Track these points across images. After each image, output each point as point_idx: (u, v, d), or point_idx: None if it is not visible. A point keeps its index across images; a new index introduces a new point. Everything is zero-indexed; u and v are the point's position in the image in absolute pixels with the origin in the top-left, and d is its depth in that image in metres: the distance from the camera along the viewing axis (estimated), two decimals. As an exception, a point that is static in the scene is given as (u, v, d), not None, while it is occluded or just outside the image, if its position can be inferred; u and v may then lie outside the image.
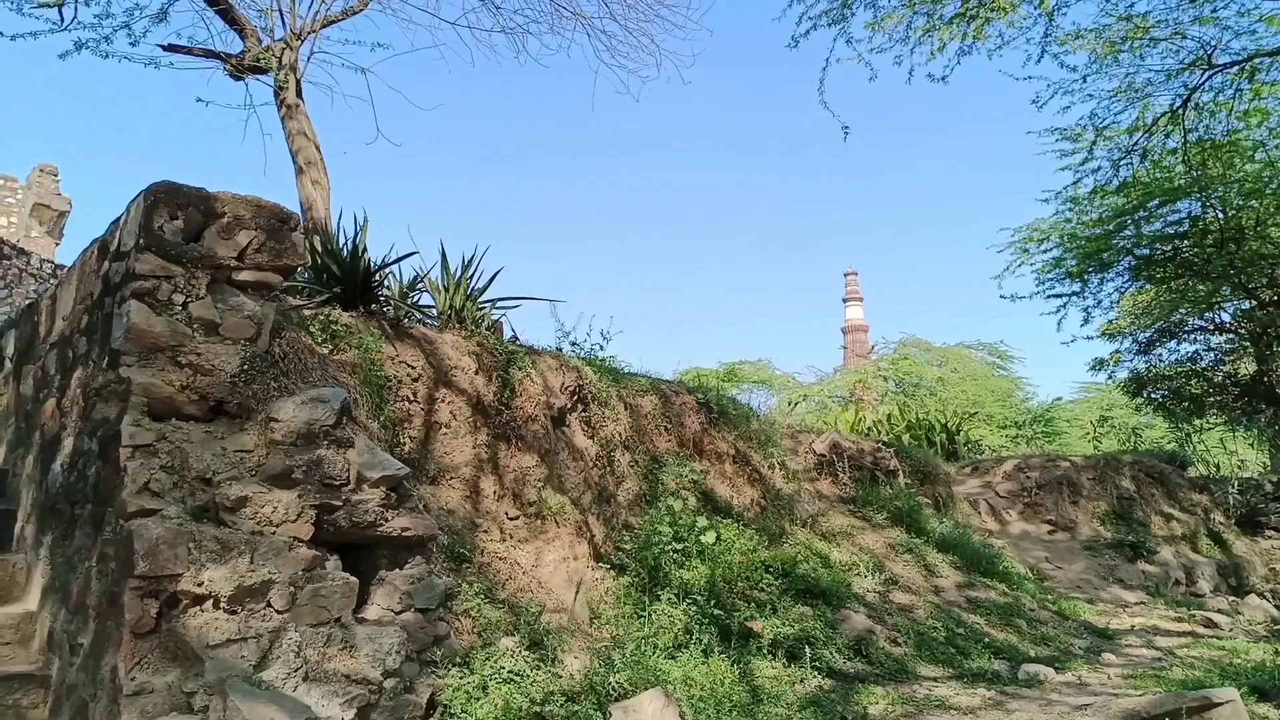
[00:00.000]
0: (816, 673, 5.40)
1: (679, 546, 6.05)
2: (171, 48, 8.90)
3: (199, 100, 9.61)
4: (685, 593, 5.68)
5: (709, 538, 6.12)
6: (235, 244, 4.23)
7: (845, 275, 60.07)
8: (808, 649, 5.50)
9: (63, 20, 8.69)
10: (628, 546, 6.16)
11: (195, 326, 4.10)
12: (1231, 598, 10.31)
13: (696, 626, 5.36)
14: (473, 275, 6.41)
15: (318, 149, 8.68)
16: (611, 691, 4.39)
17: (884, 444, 10.24)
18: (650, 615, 5.44)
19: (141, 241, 3.98)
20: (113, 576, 3.70)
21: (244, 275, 4.29)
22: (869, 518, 8.59)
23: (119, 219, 4.30)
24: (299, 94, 8.88)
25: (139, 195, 4.09)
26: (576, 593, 5.43)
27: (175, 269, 4.06)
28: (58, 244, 22.75)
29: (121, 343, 3.96)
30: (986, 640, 6.69)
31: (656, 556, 5.89)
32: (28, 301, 5.68)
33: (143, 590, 3.58)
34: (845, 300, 59.10)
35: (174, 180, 4.09)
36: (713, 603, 5.57)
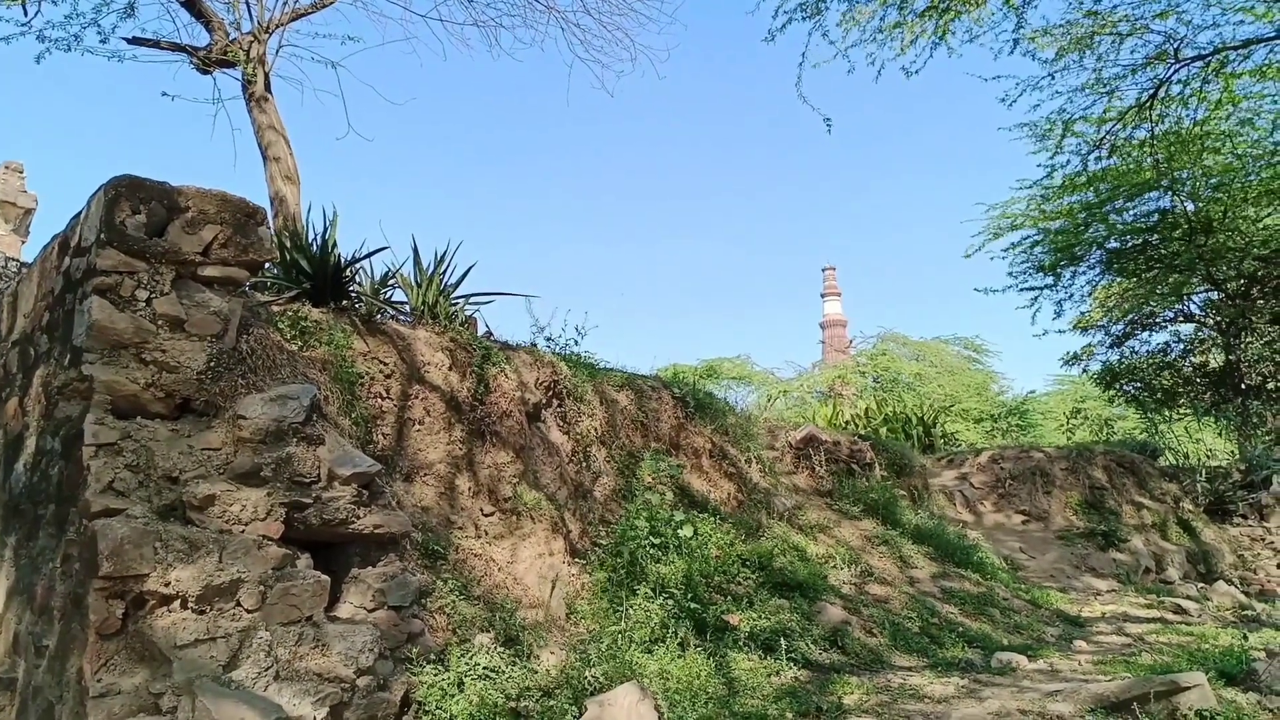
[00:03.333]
0: (792, 664, 5.42)
1: (656, 541, 6.04)
2: (136, 40, 8.75)
3: (164, 94, 9.46)
4: (662, 587, 5.67)
5: (686, 532, 6.12)
6: (200, 239, 4.17)
7: (823, 270, 60.27)
8: (784, 641, 5.52)
9: (26, 14, 8.54)
10: (604, 542, 6.14)
11: (160, 323, 4.04)
12: (1200, 584, 10.47)
13: (673, 621, 5.35)
14: (445, 270, 6.36)
15: (287, 143, 8.58)
16: (587, 686, 4.37)
17: (860, 437, 10.28)
18: (627, 610, 5.43)
19: (103, 237, 3.91)
20: (77, 577, 3.64)
21: (210, 271, 4.23)
22: (845, 510, 8.62)
23: (79, 214, 4.22)
24: (268, 88, 8.77)
25: (100, 189, 4.02)
26: (552, 589, 5.41)
27: (138, 264, 3.99)
28: (23, 242, 22.36)
29: (84, 340, 3.89)
30: (960, 630, 6.74)
31: (633, 551, 5.88)
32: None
33: (108, 591, 3.52)
34: (823, 295, 59.32)
35: (137, 174, 4.01)
36: (689, 597, 5.57)
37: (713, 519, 6.81)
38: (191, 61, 9.02)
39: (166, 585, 3.61)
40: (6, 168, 23.01)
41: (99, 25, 8.57)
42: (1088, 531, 10.99)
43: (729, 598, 6.08)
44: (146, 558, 3.61)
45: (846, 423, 15.35)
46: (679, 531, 6.13)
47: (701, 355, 32.59)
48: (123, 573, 3.54)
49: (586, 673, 4.47)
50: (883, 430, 14.44)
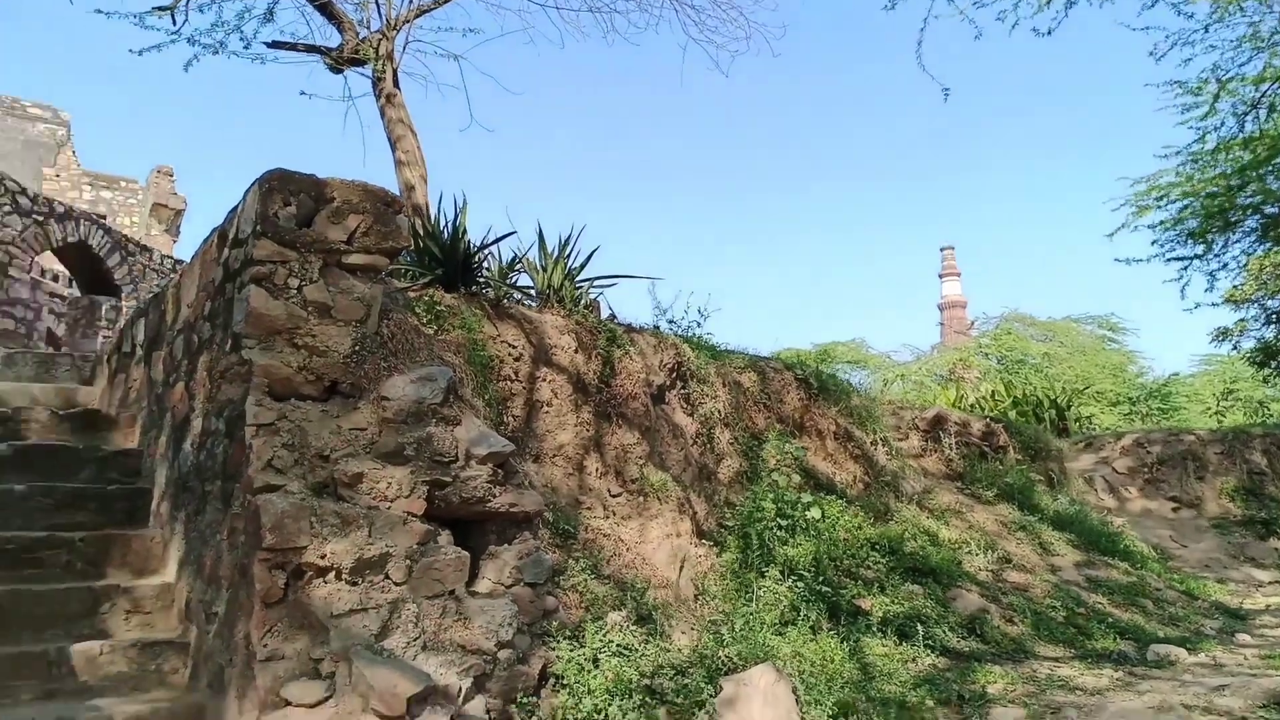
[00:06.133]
0: (929, 651, 5.27)
1: (783, 523, 5.98)
2: (276, 44, 9.24)
3: (302, 93, 10.01)
4: (790, 569, 5.61)
5: (814, 514, 6.03)
6: (345, 228, 4.34)
7: (941, 250, 58.41)
8: (920, 627, 5.37)
9: (175, 23, 9.09)
10: (730, 523, 6.12)
11: (309, 309, 4.23)
12: (1378, 577, 9.61)
13: (804, 604, 5.29)
14: (570, 254, 6.44)
15: (415, 136, 8.88)
16: (721, 665, 4.37)
17: (992, 419, 9.89)
18: (756, 592, 5.40)
19: (258, 228, 4.12)
20: (243, 549, 3.87)
21: (353, 258, 4.40)
22: (978, 495, 8.33)
23: (236, 207, 4.46)
24: (396, 83, 9.09)
25: (254, 184, 4.24)
26: (681, 569, 5.43)
27: (290, 254, 4.19)
28: (175, 241, 24.00)
29: (242, 326, 4.12)
30: (1110, 620, 6.40)
31: (760, 533, 5.84)
32: (153, 291, 6.02)
33: (270, 562, 3.72)
34: (942, 276, 57.51)
35: (286, 168, 4.21)
36: (820, 580, 5.49)
37: (840, 501, 6.69)
38: (324, 61, 9.45)
39: (322, 557, 3.79)
40: (158, 172, 24.73)
41: (241, 31, 9.09)
42: (1246, 519, 10.26)
43: (859, 582, 5.97)
44: (304, 531, 3.79)
45: (971, 406, 14.78)
46: (807, 513, 6.04)
47: (814, 339, 32.07)
48: (284, 545, 3.74)
49: (720, 652, 4.47)
50: (1011, 413, 13.86)
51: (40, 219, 13.07)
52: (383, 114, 9.01)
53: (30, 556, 4.56)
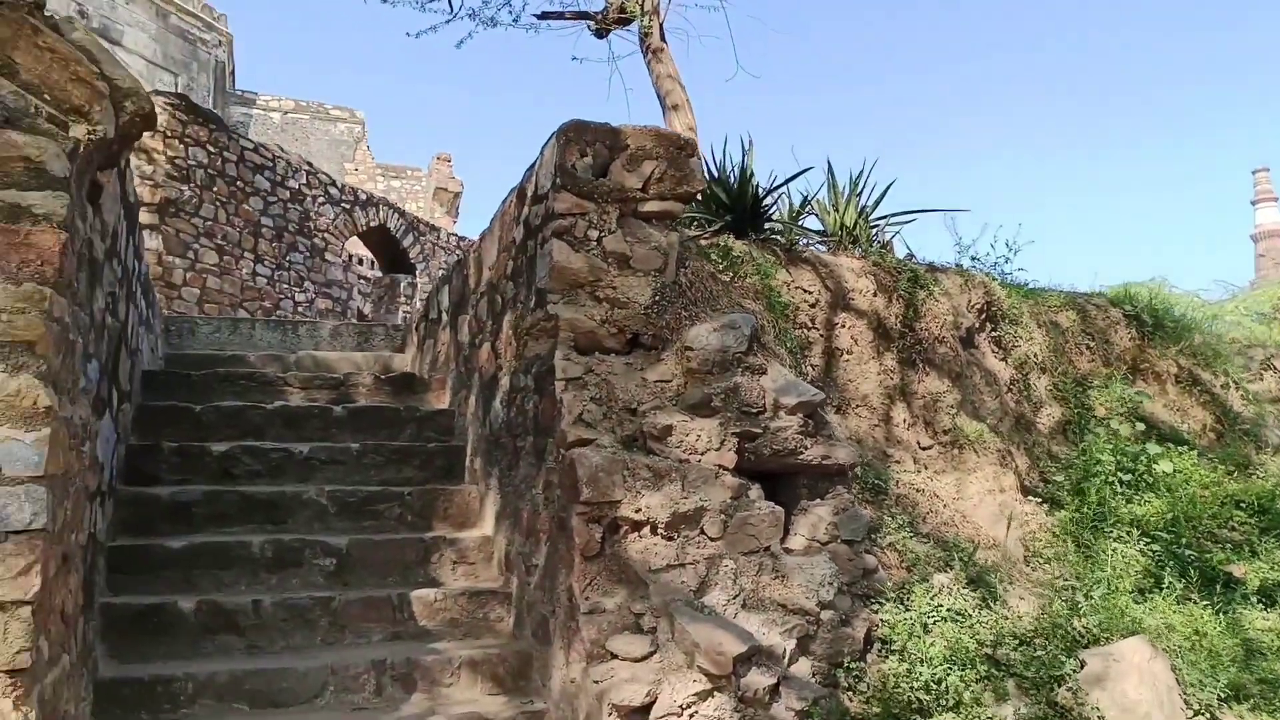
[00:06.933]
0: (1331, 630, 4.37)
1: (1124, 477, 5.22)
2: (544, 15, 9.45)
3: (574, 59, 10.15)
4: (1140, 530, 4.87)
5: (1164, 467, 5.20)
6: (640, 175, 4.21)
7: (1253, 174, 50.51)
8: (1320, 600, 4.47)
9: (451, 8, 9.52)
10: (1058, 478, 5.45)
11: (609, 260, 4.15)
12: None
13: (1163, 569, 4.57)
14: (861, 191, 5.98)
15: (683, 90, 8.73)
16: (1077, 637, 3.83)
17: (1375, 355, 8.20)
18: (1100, 555, 4.73)
19: (557, 181, 4.08)
20: (559, 503, 3.88)
21: (649, 206, 4.26)
22: (1365, 445, 6.90)
23: (534, 164, 4.46)
24: (662, 38, 8.97)
25: (551, 137, 4.20)
26: (1008, 528, 4.88)
27: (588, 205, 4.13)
28: (454, 221, 25.95)
29: (546, 281, 4.11)
30: None
31: (1099, 489, 5.13)
32: (456, 257, 6.36)
33: (587, 515, 3.70)
34: (1254, 203, 49.84)
35: (582, 119, 4.13)
36: (1182, 542, 4.72)
37: (1191, 453, 5.75)
38: (589, 26, 9.53)
39: (637, 511, 3.71)
40: (438, 159, 26.83)
41: (510, 4, 9.39)
42: None
43: (1224, 545, 5.09)
44: (617, 485, 3.73)
45: (1315, 345, 12.47)
46: (1154, 467, 5.23)
47: (1106, 280, 28.80)
48: (599, 499, 3.69)
49: (1075, 622, 3.92)
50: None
51: (347, 207, 14.52)
52: (650, 70, 8.93)
53: (369, 509, 4.92)
